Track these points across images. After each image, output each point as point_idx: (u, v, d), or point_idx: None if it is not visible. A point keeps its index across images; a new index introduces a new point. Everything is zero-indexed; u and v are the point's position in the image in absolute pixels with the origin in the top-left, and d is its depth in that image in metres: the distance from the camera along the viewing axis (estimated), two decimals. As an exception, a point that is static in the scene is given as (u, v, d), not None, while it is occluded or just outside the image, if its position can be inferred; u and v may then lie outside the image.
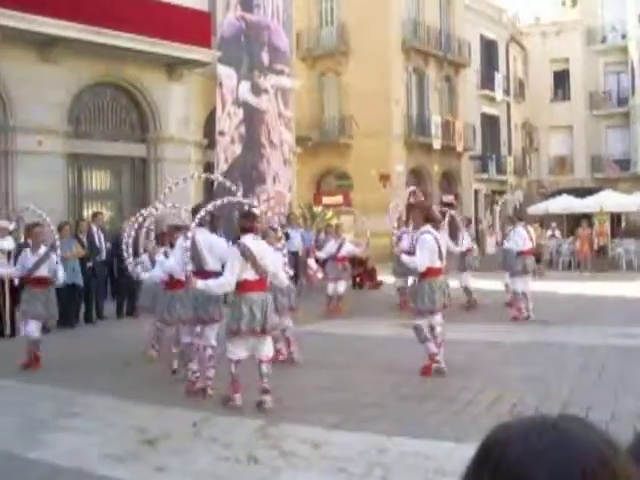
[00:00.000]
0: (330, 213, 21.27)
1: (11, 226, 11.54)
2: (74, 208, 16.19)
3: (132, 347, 9.64)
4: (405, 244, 10.39)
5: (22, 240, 11.26)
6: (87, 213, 15.93)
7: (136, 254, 9.64)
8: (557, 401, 6.47)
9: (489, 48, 35.13)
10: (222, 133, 18.86)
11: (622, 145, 37.16)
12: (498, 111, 35.60)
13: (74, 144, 16.07)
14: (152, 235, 9.77)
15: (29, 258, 8.85)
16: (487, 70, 34.36)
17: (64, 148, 15.71)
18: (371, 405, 6.62)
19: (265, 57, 20.10)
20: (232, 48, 19.00)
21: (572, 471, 0.85)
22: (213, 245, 7.39)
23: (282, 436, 5.69)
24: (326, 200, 26.88)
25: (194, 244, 7.18)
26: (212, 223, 8.25)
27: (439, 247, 7.94)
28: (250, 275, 6.59)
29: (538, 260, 20.82)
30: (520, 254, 12.23)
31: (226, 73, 18.87)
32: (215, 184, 13.65)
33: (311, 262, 17.11)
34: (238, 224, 7.00)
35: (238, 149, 19.28)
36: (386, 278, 16.63)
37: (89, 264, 12.80)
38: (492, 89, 34.17)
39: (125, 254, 8.91)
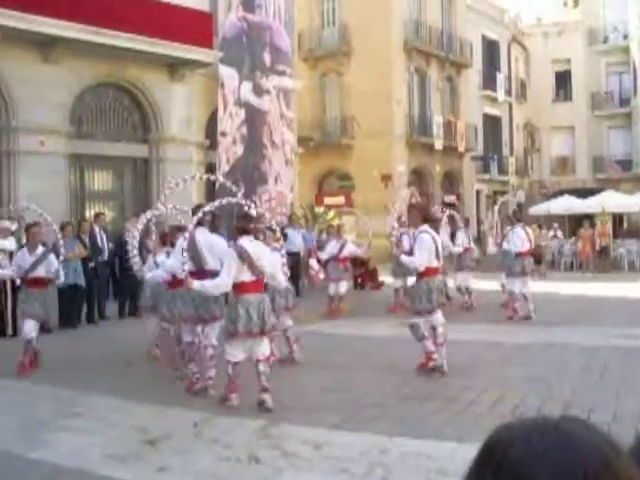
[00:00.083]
0: (332, 213, 21.27)
1: (13, 226, 11.55)
2: (76, 208, 16.21)
3: (134, 347, 9.64)
4: (407, 245, 10.41)
5: (25, 240, 11.24)
6: (89, 213, 15.94)
7: (140, 254, 9.69)
8: (559, 402, 6.47)
9: (491, 48, 35.11)
10: (224, 134, 18.87)
11: (624, 146, 37.12)
12: (500, 111, 35.58)
13: (76, 144, 16.08)
14: (153, 235, 9.79)
15: (27, 258, 8.75)
16: (489, 70, 34.35)
17: (66, 148, 15.73)
18: (372, 405, 6.62)
19: (267, 58, 20.10)
20: (234, 48, 19.00)
21: (574, 472, 0.85)
22: (213, 245, 7.42)
23: (283, 436, 5.69)
24: (328, 200, 26.87)
25: (194, 244, 7.22)
26: (213, 223, 8.28)
27: (436, 247, 8.01)
28: (247, 277, 6.61)
29: (539, 261, 20.86)
30: (519, 255, 12.23)
31: (228, 74, 18.87)
32: (217, 185, 13.66)
33: (312, 262, 17.12)
34: (236, 225, 7.03)
35: (240, 150, 19.29)
36: (387, 279, 16.62)
37: (91, 264, 12.81)
38: (494, 89, 34.16)
39: (130, 254, 8.96)
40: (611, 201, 26.01)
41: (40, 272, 8.70)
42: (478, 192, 33.44)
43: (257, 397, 6.58)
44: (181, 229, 8.10)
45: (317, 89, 28.56)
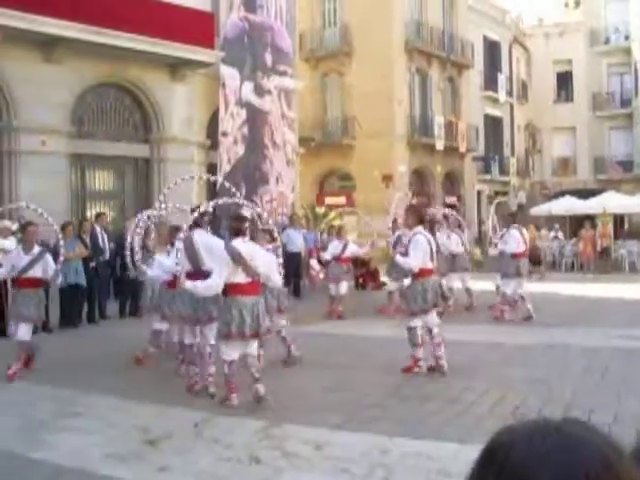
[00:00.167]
0: (333, 214, 21.28)
1: (14, 226, 11.54)
2: (77, 208, 16.22)
3: (135, 347, 9.63)
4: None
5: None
6: (90, 213, 15.95)
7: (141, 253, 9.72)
8: (560, 403, 6.46)
9: (492, 49, 35.10)
10: (225, 134, 18.87)
11: (625, 146, 37.10)
12: (501, 112, 35.57)
13: (77, 144, 16.09)
14: (152, 235, 9.82)
15: (22, 257, 8.52)
16: (490, 71, 34.33)
17: (67, 148, 15.73)
18: (373, 406, 6.62)
19: (268, 58, 20.10)
20: (235, 49, 19.01)
21: (576, 474, 0.85)
22: (211, 246, 7.44)
23: (284, 437, 5.69)
24: (329, 201, 26.87)
25: (191, 244, 7.25)
26: (213, 223, 8.30)
27: (431, 248, 8.11)
28: (241, 278, 6.64)
29: (537, 262, 20.86)
30: (514, 256, 12.22)
31: (229, 74, 18.88)
32: (217, 185, 13.67)
33: (313, 263, 17.14)
34: (230, 226, 7.09)
35: (241, 150, 19.29)
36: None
37: (92, 264, 12.81)
38: (495, 90, 34.14)
39: (128, 252, 8.93)
40: (612, 202, 25.99)
41: (37, 272, 8.49)
42: (479, 193, 33.43)
43: (251, 391, 6.63)
44: (180, 229, 8.13)
45: (318, 89, 28.56)
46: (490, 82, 34.08)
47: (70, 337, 11.41)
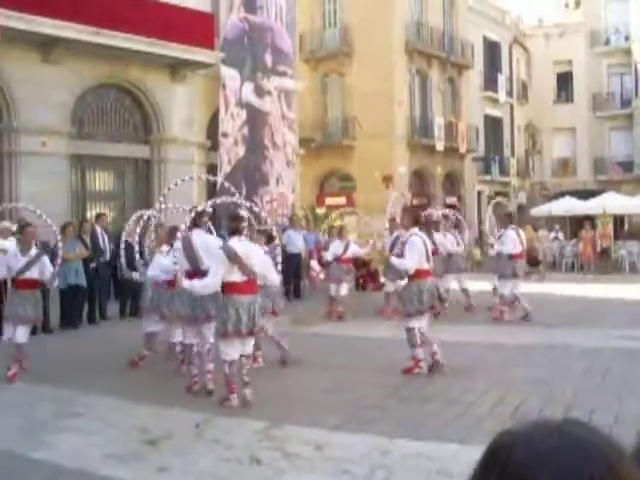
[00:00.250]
0: (333, 215, 21.28)
1: (14, 227, 11.54)
2: (77, 209, 16.22)
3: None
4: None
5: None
6: (90, 214, 15.95)
7: (141, 254, 9.75)
8: (560, 403, 6.46)
9: (492, 50, 35.10)
10: (225, 134, 18.88)
11: (625, 147, 37.10)
12: (501, 113, 35.56)
13: (77, 145, 16.09)
14: (153, 235, 9.84)
15: (19, 259, 8.44)
16: (490, 72, 34.33)
17: (67, 149, 15.73)
18: (373, 407, 6.61)
19: (268, 59, 20.11)
20: (235, 49, 19.01)
21: (579, 476, 0.85)
22: (209, 246, 7.46)
23: (285, 437, 5.69)
24: (329, 201, 26.88)
25: (190, 244, 7.31)
26: (213, 223, 8.32)
27: (427, 249, 8.12)
28: (237, 277, 6.70)
29: (535, 263, 20.84)
30: (511, 257, 12.21)
31: (229, 74, 18.88)
32: (218, 185, 13.69)
33: (313, 264, 17.13)
34: (228, 226, 7.14)
35: (241, 150, 19.30)
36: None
37: (92, 265, 12.81)
38: (495, 91, 34.13)
39: (122, 258, 8.92)
40: (612, 203, 25.98)
41: (33, 274, 8.42)
42: (479, 193, 33.42)
43: (239, 395, 6.69)
44: (178, 229, 8.17)
45: (318, 90, 28.56)
46: (490, 83, 34.08)
47: (70, 338, 11.41)
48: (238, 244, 6.77)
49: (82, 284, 12.30)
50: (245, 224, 7.22)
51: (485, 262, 20.08)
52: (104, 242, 13.31)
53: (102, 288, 13.24)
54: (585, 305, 14.59)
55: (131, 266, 9.95)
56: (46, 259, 8.61)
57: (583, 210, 26.75)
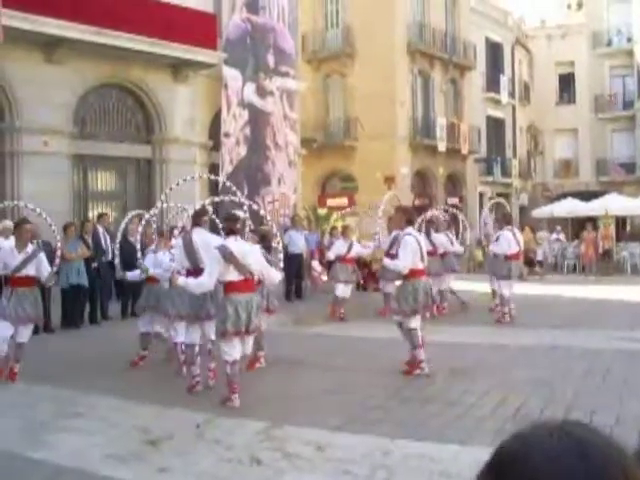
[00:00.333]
0: (335, 216, 21.26)
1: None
2: (79, 209, 16.23)
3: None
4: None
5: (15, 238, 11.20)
6: (92, 214, 15.95)
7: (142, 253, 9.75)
8: (561, 404, 6.45)
9: (494, 51, 35.09)
10: (227, 135, 18.88)
11: (627, 148, 37.07)
12: (503, 114, 35.55)
13: (79, 145, 16.10)
14: (154, 235, 9.86)
15: (16, 256, 8.26)
16: (492, 73, 34.32)
17: (69, 149, 15.74)
18: (374, 407, 6.61)
19: (270, 59, 20.11)
20: (237, 50, 19.02)
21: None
22: (209, 244, 7.48)
23: (285, 438, 5.68)
24: (331, 202, 26.87)
25: (190, 243, 7.35)
26: (214, 223, 8.35)
27: (421, 249, 8.12)
28: (234, 276, 6.75)
29: (532, 264, 20.82)
30: (507, 258, 12.21)
31: (231, 75, 18.89)
32: (220, 185, 13.69)
33: (315, 264, 17.12)
34: (224, 226, 7.20)
35: (243, 151, 19.30)
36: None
37: (94, 265, 12.81)
38: (497, 92, 34.12)
39: (118, 252, 8.92)
40: (614, 204, 25.95)
41: (30, 271, 8.26)
42: (481, 194, 33.41)
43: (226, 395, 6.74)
44: (175, 228, 8.25)
45: (320, 91, 28.57)
46: (492, 84, 34.07)
47: (72, 337, 11.42)
48: (234, 244, 6.81)
49: (84, 284, 12.31)
50: (239, 225, 7.27)
51: (485, 263, 20.05)
52: (106, 242, 13.32)
53: (104, 288, 13.24)
54: (586, 307, 14.58)
55: (132, 266, 9.94)
56: (43, 256, 8.46)
57: (585, 211, 26.73)
